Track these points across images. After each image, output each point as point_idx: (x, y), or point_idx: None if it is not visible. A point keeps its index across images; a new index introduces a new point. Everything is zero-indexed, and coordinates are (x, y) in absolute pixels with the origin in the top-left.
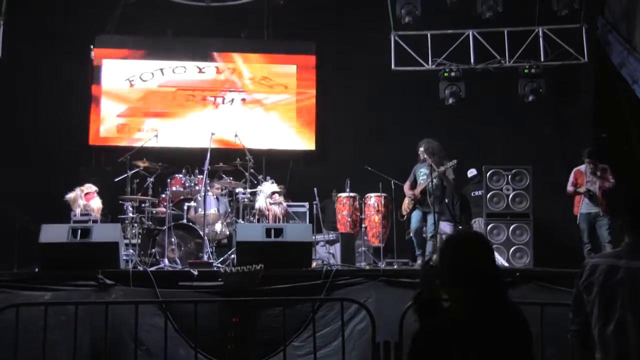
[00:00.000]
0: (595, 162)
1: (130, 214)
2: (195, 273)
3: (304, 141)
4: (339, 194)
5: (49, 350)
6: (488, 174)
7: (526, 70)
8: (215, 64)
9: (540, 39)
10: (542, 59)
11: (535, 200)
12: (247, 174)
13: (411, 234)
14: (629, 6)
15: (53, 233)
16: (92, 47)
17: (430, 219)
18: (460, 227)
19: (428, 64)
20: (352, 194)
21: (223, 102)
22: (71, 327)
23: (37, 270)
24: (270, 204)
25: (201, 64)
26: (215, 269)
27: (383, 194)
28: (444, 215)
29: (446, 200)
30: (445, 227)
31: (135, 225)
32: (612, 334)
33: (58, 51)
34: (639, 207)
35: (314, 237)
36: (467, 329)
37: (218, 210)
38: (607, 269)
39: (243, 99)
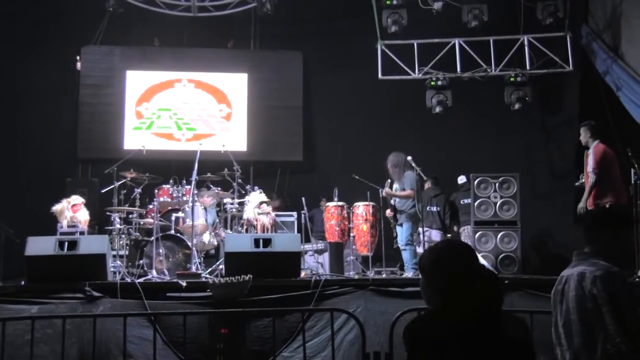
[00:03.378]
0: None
1: (118, 225)
2: (184, 284)
3: (291, 151)
4: (327, 203)
5: None
6: (475, 182)
7: (512, 79)
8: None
9: (526, 48)
10: (528, 68)
11: (523, 207)
12: (234, 184)
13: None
14: (613, 15)
15: (39, 245)
16: (78, 57)
17: (399, 229)
18: (449, 235)
19: (415, 73)
20: (340, 203)
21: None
22: (58, 340)
23: (23, 283)
24: (259, 214)
25: (187, 75)
26: (203, 279)
27: (371, 203)
28: (435, 224)
29: (437, 209)
30: (436, 236)
31: (123, 236)
32: (556, 335)
33: (44, 62)
34: (587, 221)
35: (302, 247)
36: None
37: (206, 220)
38: (559, 278)
39: (229, 113)
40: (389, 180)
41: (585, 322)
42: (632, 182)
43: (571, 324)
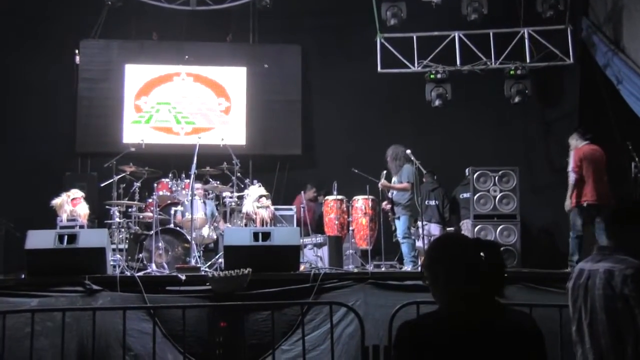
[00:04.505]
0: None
1: (117, 219)
2: (183, 278)
3: (290, 145)
4: (326, 197)
5: (35, 357)
6: (475, 176)
7: (512, 72)
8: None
9: (526, 41)
10: (528, 61)
11: (522, 201)
12: (233, 177)
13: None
14: (614, 7)
15: (39, 239)
16: (77, 51)
17: (397, 223)
18: (447, 229)
19: (414, 66)
20: (339, 197)
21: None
22: (58, 333)
23: (23, 276)
24: (258, 207)
25: (186, 68)
26: (203, 273)
27: (370, 197)
28: (434, 218)
29: (436, 203)
30: (435, 230)
31: (122, 230)
32: (578, 333)
33: (42, 56)
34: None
35: (301, 241)
36: (445, 330)
37: (205, 214)
38: (578, 271)
39: (227, 107)
40: (384, 172)
41: (614, 323)
42: (633, 175)
43: (597, 324)
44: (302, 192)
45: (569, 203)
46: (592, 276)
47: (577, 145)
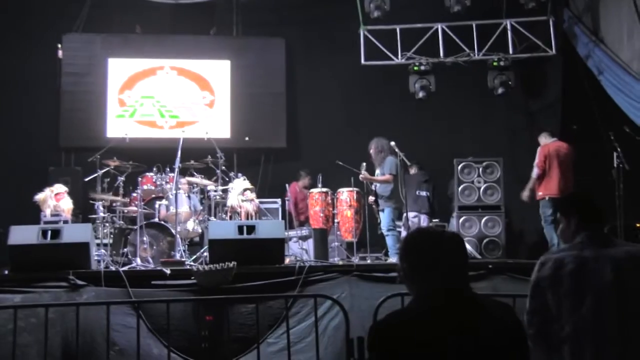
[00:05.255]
0: None
1: (102, 214)
2: (168, 272)
3: (275, 138)
4: (311, 190)
5: (19, 354)
6: (459, 167)
7: (495, 63)
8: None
9: (509, 32)
10: (511, 52)
11: (506, 192)
12: (218, 171)
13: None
14: None
15: (22, 234)
16: (59, 45)
17: (381, 215)
18: (435, 220)
19: (398, 58)
20: (324, 190)
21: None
22: (42, 329)
23: (6, 272)
24: (242, 200)
25: (170, 62)
26: (188, 267)
27: (355, 189)
28: (423, 209)
29: (427, 194)
30: (425, 221)
31: (107, 224)
32: (587, 324)
33: (24, 50)
34: (586, 205)
35: (286, 233)
36: (416, 327)
37: (190, 208)
38: (579, 262)
39: (212, 100)
40: (364, 164)
41: None
42: (615, 165)
43: (628, 307)
44: (295, 181)
45: (527, 194)
46: (591, 265)
47: (545, 142)
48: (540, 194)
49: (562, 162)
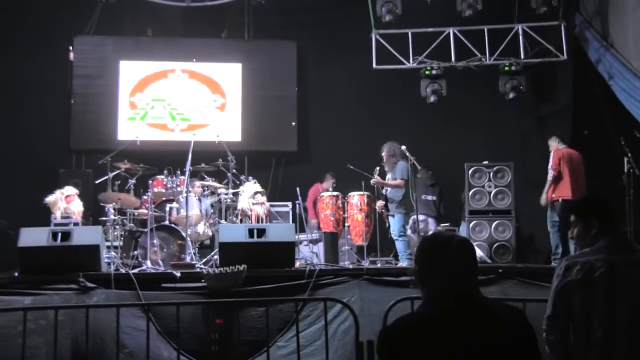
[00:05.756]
0: None
1: (112, 216)
2: (178, 275)
3: (286, 141)
4: (322, 193)
5: (29, 356)
6: (470, 171)
7: (506, 68)
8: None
9: (520, 37)
10: (522, 57)
11: (517, 196)
12: (229, 174)
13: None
14: (601, 2)
15: (33, 237)
16: (70, 48)
17: (391, 220)
18: (442, 225)
19: (409, 62)
20: (334, 193)
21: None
22: (52, 331)
23: (16, 274)
24: (253, 204)
25: (181, 65)
26: (198, 270)
27: (366, 193)
28: (431, 212)
29: (433, 198)
30: (432, 225)
31: (117, 227)
32: (620, 329)
33: (36, 53)
34: (607, 208)
35: (297, 237)
36: (425, 330)
37: (200, 211)
38: (588, 267)
39: (223, 103)
40: (377, 168)
41: None
42: (625, 170)
43: (613, 316)
44: (320, 182)
45: (544, 197)
46: (623, 268)
47: (556, 146)
48: (553, 196)
49: (575, 167)
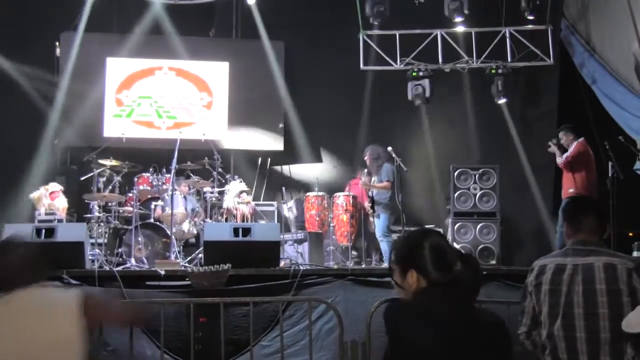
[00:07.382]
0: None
1: (97, 213)
2: (162, 272)
3: (272, 141)
4: (307, 193)
5: None
6: (455, 173)
7: (493, 71)
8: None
9: (507, 40)
10: (509, 60)
11: (502, 199)
12: (214, 173)
13: None
14: (583, 7)
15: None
16: (57, 44)
17: (376, 221)
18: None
19: (396, 64)
20: (320, 193)
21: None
22: None
23: None
24: (238, 203)
25: (168, 62)
26: (182, 268)
27: (351, 194)
28: None
29: None
30: None
31: (102, 224)
32: (560, 329)
33: (22, 48)
34: (574, 211)
35: (282, 237)
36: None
37: (185, 209)
38: (555, 268)
39: (209, 101)
40: (365, 170)
41: (619, 317)
42: (610, 175)
43: (598, 319)
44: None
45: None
46: (582, 271)
47: (577, 139)
48: (571, 190)
49: (589, 162)
